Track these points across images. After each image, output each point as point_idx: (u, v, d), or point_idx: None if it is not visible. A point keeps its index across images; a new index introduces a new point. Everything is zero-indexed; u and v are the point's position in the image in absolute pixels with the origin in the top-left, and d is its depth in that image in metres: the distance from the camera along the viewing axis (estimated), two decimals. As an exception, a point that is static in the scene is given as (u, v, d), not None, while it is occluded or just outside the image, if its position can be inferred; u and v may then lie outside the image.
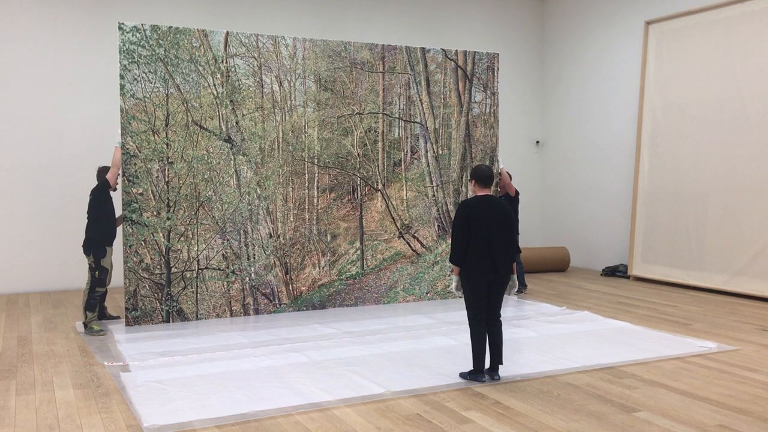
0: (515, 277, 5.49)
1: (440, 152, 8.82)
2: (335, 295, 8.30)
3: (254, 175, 7.87)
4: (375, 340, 6.62)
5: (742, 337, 6.80)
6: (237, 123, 7.77)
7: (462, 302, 7.54)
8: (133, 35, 7.28)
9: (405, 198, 8.68)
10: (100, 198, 7.24)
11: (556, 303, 8.57)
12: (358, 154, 8.42)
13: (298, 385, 5.19)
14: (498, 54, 9.18)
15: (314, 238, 8.20)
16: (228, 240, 7.76)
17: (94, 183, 7.40)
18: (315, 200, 8.20)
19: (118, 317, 7.69)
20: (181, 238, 7.54)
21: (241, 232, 7.83)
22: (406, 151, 8.70)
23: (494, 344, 5.31)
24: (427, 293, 8.77)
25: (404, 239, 8.67)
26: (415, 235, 8.74)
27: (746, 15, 9.15)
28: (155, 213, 7.42)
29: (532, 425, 4.39)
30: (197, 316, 7.62)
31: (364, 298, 8.45)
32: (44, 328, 7.27)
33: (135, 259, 7.33)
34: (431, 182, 8.80)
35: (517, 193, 9.01)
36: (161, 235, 7.46)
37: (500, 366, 5.37)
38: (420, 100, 8.71)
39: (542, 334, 6.88)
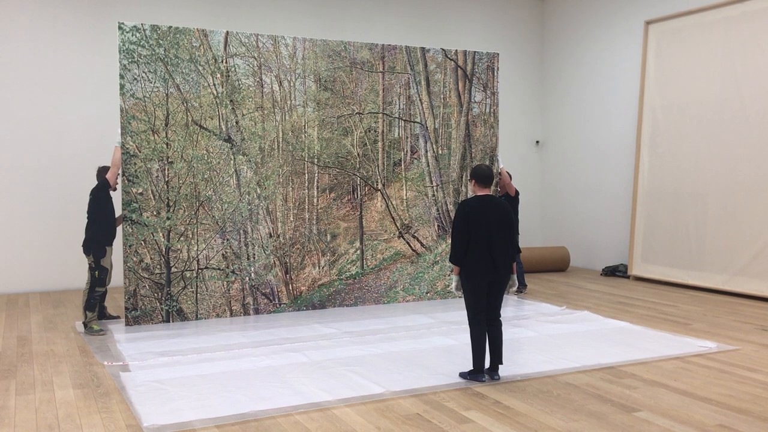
0: (515, 276, 5.50)
1: (440, 152, 8.82)
2: (335, 294, 8.30)
3: (254, 175, 7.87)
4: (375, 339, 6.62)
5: (742, 336, 6.80)
6: (237, 123, 7.77)
7: (462, 302, 7.55)
8: (132, 35, 7.28)
9: (405, 198, 8.68)
10: (100, 198, 7.24)
11: (556, 303, 8.57)
12: (358, 154, 8.42)
13: (298, 384, 5.19)
14: (498, 54, 9.18)
15: (314, 237, 8.20)
16: (228, 240, 7.75)
17: (94, 183, 7.40)
18: (315, 200, 8.20)
19: (117, 317, 7.69)
20: (181, 238, 7.54)
21: (241, 231, 7.83)
22: (406, 151, 8.70)
23: (494, 344, 5.31)
24: (426, 293, 8.77)
25: (404, 239, 8.67)
26: (415, 234, 8.74)
27: (746, 15, 9.15)
28: (155, 213, 7.42)
29: (531, 425, 4.39)
30: (197, 315, 7.62)
31: (364, 298, 8.45)
32: (44, 328, 7.27)
33: (135, 258, 7.33)
34: (431, 182, 8.80)
35: (517, 192, 9.01)
36: (161, 234, 7.46)
37: (500, 366, 5.37)
38: (420, 100, 8.71)
39: (542, 333, 6.88)
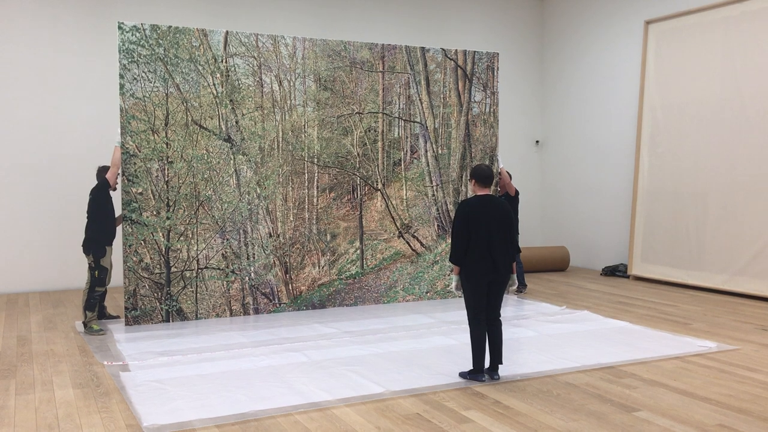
0: (515, 276, 5.50)
1: (440, 152, 8.82)
2: (335, 294, 8.30)
3: (254, 175, 7.87)
4: (375, 339, 6.62)
5: (742, 336, 6.80)
6: (237, 122, 7.77)
7: (462, 302, 7.55)
8: (132, 35, 7.27)
9: (405, 197, 8.68)
10: (99, 197, 7.24)
11: (556, 303, 8.57)
12: (358, 154, 8.42)
13: (298, 384, 5.19)
14: (498, 53, 9.18)
15: (314, 237, 8.20)
16: (228, 239, 7.75)
17: (94, 183, 7.40)
18: (315, 200, 8.20)
19: (117, 317, 7.69)
20: (181, 238, 7.54)
21: (241, 231, 7.83)
22: (406, 151, 8.69)
23: (494, 344, 5.31)
24: (426, 293, 8.77)
25: (404, 239, 8.67)
26: (415, 234, 8.74)
27: (746, 14, 9.15)
28: (155, 212, 7.42)
29: (531, 425, 4.39)
30: (197, 315, 7.62)
31: (364, 298, 8.45)
32: (44, 328, 7.27)
33: (134, 258, 7.33)
34: (431, 182, 8.80)
35: (516, 192, 9.01)
36: (161, 234, 7.46)
37: (500, 366, 5.37)
38: (420, 100, 8.71)
39: (542, 333, 6.88)
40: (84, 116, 9.77)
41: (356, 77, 8.37)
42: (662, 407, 4.71)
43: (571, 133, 12.27)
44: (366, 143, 8.46)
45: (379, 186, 8.55)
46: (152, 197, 7.40)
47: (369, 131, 8.49)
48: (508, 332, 6.50)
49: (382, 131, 8.55)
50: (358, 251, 8.44)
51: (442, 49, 8.81)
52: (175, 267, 7.53)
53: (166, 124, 7.45)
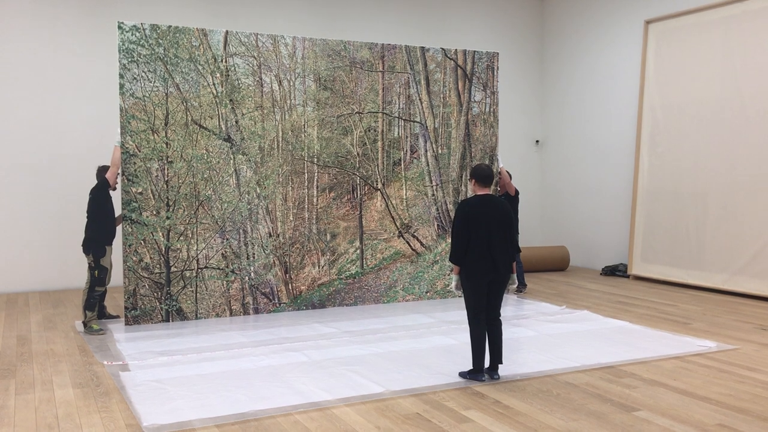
0: (515, 276, 5.50)
1: (440, 151, 8.82)
2: (335, 294, 8.30)
3: (254, 175, 7.87)
4: (374, 339, 6.62)
5: (742, 336, 6.80)
6: (236, 122, 7.77)
7: (462, 301, 7.54)
8: (132, 34, 7.27)
9: (404, 197, 8.68)
10: (99, 197, 7.24)
11: (556, 302, 8.57)
12: (358, 154, 8.42)
13: (298, 384, 5.19)
14: (498, 53, 9.18)
15: (314, 237, 8.20)
16: (227, 239, 7.75)
17: (94, 182, 7.40)
18: (314, 199, 8.20)
19: (117, 316, 7.68)
20: (181, 238, 7.54)
21: (241, 231, 7.83)
22: (406, 151, 8.69)
23: (494, 344, 5.31)
24: (426, 292, 8.77)
25: (404, 238, 8.67)
26: (415, 234, 8.74)
27: (746, 14, 9.15)
28: (155, 212, 7.42)
29: (531, 424, 4.39)
30: (197, 315, 7.62)
31: (364, 298, 8.45)
32: (44, 328, 7.27)
33: (134, 258, 7.33)
34: (431, 181, 8.80)
35: (516, 192, 9.01)
36: (161, 234, 7.46)
37: (500, 365, 5.37)
38: (419, 100, 8.71)
39: (542, 333, 6.88)
40: (84, 116, 9.77)
41: (356, 77, 8.37)
42: (662, 407, 4.71)
43: (571, 133, 12.27)
44: (366, 143, 8.46)
45: (379, 186, 8.55)
46: (152, 197, 7.40)
47: (369, 131, 8.48)
48: (508, 332, 6.50)
49: (382, 131, 8.55)
50: (358, 251, 8.44)
51: (442, 49, 8.81)
52: (175, 267, 7.52)
53: (165, 124, 7.44)
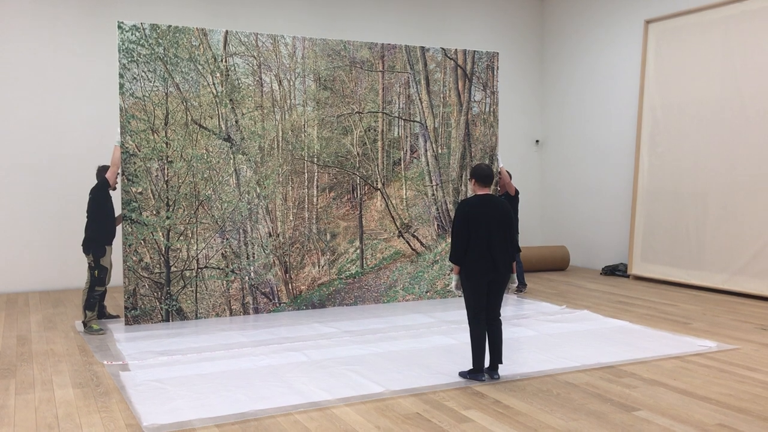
0: (515, 276, 5.50)
1: (440, 151, 8.82)
2: (335, 294, 8.30)
3: (254, 174, 7.87)
4: (374, 339, 6.62)
5: (742, 336, 6.80)
6: (236, 122, 7.77)
7: (462, 301, 7.55)
8: (132, 34, 7.27)
9: (404, 197, 8.68)
10: (99, 197, 7.24)
11: (556, 302, 8.57)
12: (358, 153, 8.42)
13: (298, 384, 5.19)
14: (497, 53, 9.18)
15: (314, 237, 8.20)
16: (227, 239, 7.75)
17: (94, 182, 7.40)
18: (314, 199, 8.20)
19: (117, 316, 7.68)
20: (181, 237, 7.54)
21: (241, 231, 7.83)
22: (406, 150, 8.69)
23: (494, 343, 5.31)
24: (426, 292, 8.77)
25: (404, 238, 8.67)
26: (415, 234, 8.74)
27: (746, 14, 9.15)
28: (155, 212, 7.42)
29: (531, 424, 4.39)
30: (197, 315, 7.62)
31: (364, 297, 8.45)
32: (44, 327, 7.27)
33: (134, 258, 7.33)
34: (431, 181, 8.80)
35: (516, 192, 9.01)
36: (161, 234, 7.46)
37: (500, 365, 5.37)
38: (419, 99, 8.70)
39: (542, 333, 6.88)
40: (84, 116, 9.76)
41: (356, 77, 8.37)
42: (662, 407, 4.71)
43: (571, 133, 12.27)
44: (366, 143, 8.46)
45: (379, 185, 8.55)
46: (152, 197, 7.40)
47: (369, 131, 8.48)
48: (507, 332, 6.50)
49: (382, 131, 8.55)
50: (358, 251, 8.43)
51: (442, 49, 8.81)
52: (175, 266, 7.52)
53: (165, 124, 7.44)
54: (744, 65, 9.14)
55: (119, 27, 7.21)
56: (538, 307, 8.29)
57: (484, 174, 5.32)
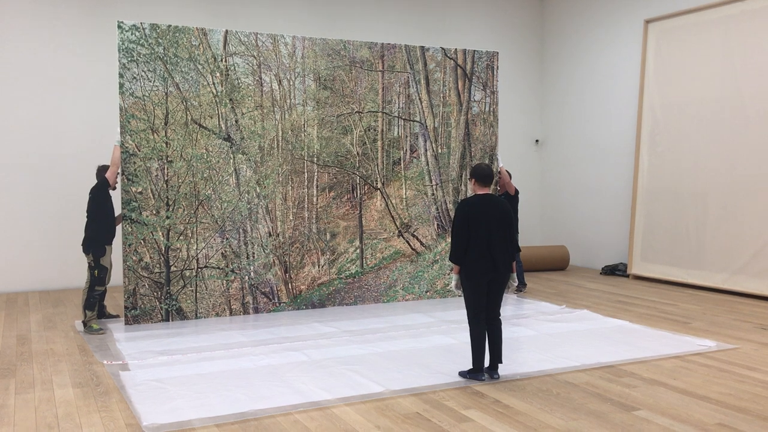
0: (515, 275, 5.51)
1: (439, 151, 8.82)
2: (335, 293, 8.30)
3: (253, 174, 7.87)
4: (374, 338, 6.62)
5: (742, 335, 6.80)
6: (236, 121, 7.77)
7: (461, 301, 7.55)
8: (132, 34, 7.27)
9: (404, 197, 8.68)
10: (99, 197, 7.24)
11: (556, 302, 8.57)
12: (358, 153, 8.42)
13: (298, 383, 5.19)
14: (497, 52, 9.18)
15: (314, 236, 8.20)
16: (227, 239, 7.75)
17: (94, 182, 7.40)
18: (314, 199, 8.20)
19: (117, 316, 7.68)
20: (181, 237, 7.54)
21: (241, 230, 7.83)
22: (406, 150, 8.69)
23: (494, 343, 5.31)
24: (426, 292, 8.77)
25: (404, 238, 8.67)
26: (415, 233, 8.74)
27: (746, 13, 9.15)
28: (154, 212, 7.42)
29: (531, 424, 4.39)
30: (196, 314, 7.62)
31: (364, 297, 8.45)
32: (43, 327, 7.27)
33: (134, 257, 7.33)
34: (431, 181, 8.80)
35: (516, 191, 9.01)
36: (160, 233, 7.46)
37: (500, 365, 5.37)
38: (419, 99, 8.70)
39: (541, 332, 6.88)
40: (84, 116, 9.76)
41: (356, 76, 8.37)
42: (662, 406, 4.71)
43: (571, 133, 12.27)
44: (366, 142, 8.46)
45: (379, 185, 8.55)
46: (152, 196, 7.40)
47: (368, 130, 8.48)
48: (507, 331, 6.50)
49: (382, 130, 8.55)
50: (358, 250, 8.44)
51: (442, 48, 8.81)
52: (175, 266, 7.52)
53: (165, 123, 7.44)
54: (744, 65, 9.14)
55: (119, 27, 7.21)
56: (538, 306, 8.29)
57: (484, 174, 5.32)
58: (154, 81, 7.37)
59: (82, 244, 7.25)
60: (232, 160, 7.75)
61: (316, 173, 8.21)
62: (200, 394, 4.96)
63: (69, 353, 6.20)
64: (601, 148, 11.62)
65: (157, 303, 7.46)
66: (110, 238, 7.30)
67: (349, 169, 8.38)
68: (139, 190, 7.34)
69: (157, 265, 7.45)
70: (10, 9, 9.40)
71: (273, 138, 7.95)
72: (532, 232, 12.78)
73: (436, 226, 8.84)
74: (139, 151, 7.32)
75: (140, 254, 7.36)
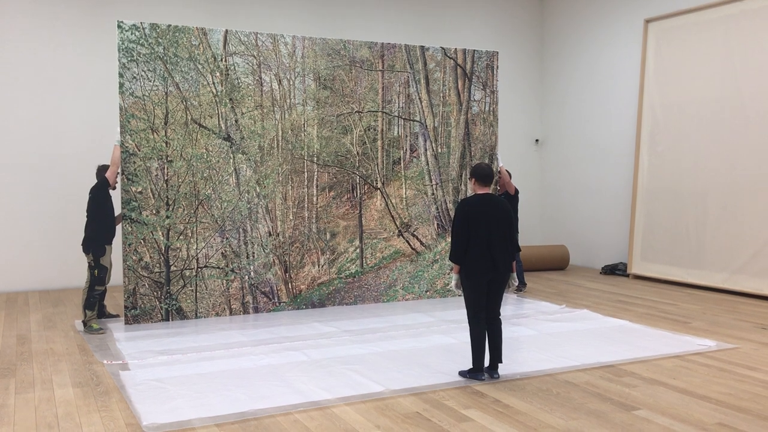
0: (515, 275, 5.51)
1: (439, 150, 8.82)
2: (335, 293, 8.30)
3: (253, 174, 7.87)
4: (374, 338, 6.62)
5: (742, 335, 6.80)
6: (236, 121, 7.77)
7: (461, 300, 7.54)
8: (132, 33, 7.27)
9: (404, 196, 8.68)
10: (99, 196, 7.24)
11: (556, 301, 8.57)
12: (358, 153, 8.42)
13: (298, 383, 5.19)
14: (497, 52, 9.18)
15: (313, 236, 8.20)
16: (227, 238, 7.75)
17: (94, 181, 7.40)
18: (314, 198, 8.20)
19: (117, 316, 7.68)
20: (181, 237, 7.54)
21: (241, 230, 7.83)
22: (406, 150, 8.69)
23: (494, 343, 5.31)
24: (426, 291, 8.77)
25: (403, 237, 8.67)
26: (415, 233, 8.74)
27: (746, 13, 9.15)
28: (154, 211, 7.42)
29: (531, 423, 4.39)
30: (196, 314, 7.62)
31: (364, 297, 8.45)
32: (43, 327, 7.27)
33: (134, 257, 7.33)
34: (430, 180, 8.80)
35: (516, 191, 9.01)
36: (160, 233, 7.45)
37: (500, 364, 5.37)
38: (419, 99, 8.70)
39: (541, 332, 6.88)
40: (84, 115, 9.76)
41: (356, 76, 8.37)
42: (662, 406, 4.71)
43: (571, 132, 12.27)
44: (365, 142, 8.46)
45: (379, 185, 8.55)
46: (152, 196, 7.40)
47: (368, 130, 8.48)
48: (507, 331, 6.50)
49: (382, 130, 8.55)
50: (358, 250, 8.44)
51: (442, 48, 8.80)
52: (175, 266, 7.52)
53: (165, 123, 7.44)
54: (744, 65, 9.14)
55: (119, 26, 7.21)
56: (538, 306, 8.29)
57: (484, 173, 5.32)
58: (154, 81, 7.37)
59: (82, 244, 7.25)
60: (232, 160, 7.75)
61: (316, 173, 8.21)
62: (200, 393, 4.96)
63: (69, 353, 6.20)
64: (601, 148, 11.62)
65: (157, 303, 7.46)
66: (110, 237, 7.30)
67: (349, 168, 8.38)
68: (139, 189, 7.34)
69: (157, 265, 7.45)
70: (10, 9, 9.40)
71: (273, 138, 7.95)
72: (532, 231, 12.78)
73: (436, 225, 8.84)
74: (139, 150, 7.32)
75: (140, 254, 7.36)
